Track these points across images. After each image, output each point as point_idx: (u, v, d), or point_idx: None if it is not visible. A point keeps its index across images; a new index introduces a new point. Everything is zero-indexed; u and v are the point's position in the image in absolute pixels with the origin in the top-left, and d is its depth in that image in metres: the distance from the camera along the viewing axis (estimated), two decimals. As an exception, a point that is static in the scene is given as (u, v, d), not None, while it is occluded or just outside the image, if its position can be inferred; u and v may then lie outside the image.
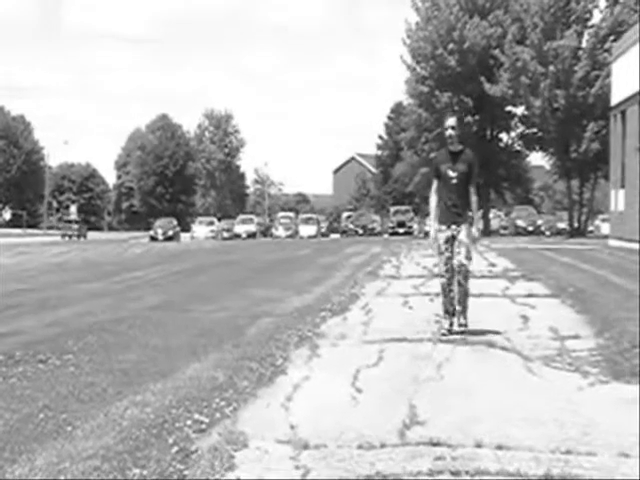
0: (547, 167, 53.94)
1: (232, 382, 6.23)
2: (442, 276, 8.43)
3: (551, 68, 38.45)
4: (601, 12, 39.74)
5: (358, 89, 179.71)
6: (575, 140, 40.05)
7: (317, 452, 4.65)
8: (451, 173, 8.27)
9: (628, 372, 6.49)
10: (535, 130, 45.06)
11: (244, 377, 6.39)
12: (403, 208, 57.77)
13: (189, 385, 6.16)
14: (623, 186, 26.39)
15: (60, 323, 9.67)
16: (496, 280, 13.57)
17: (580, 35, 39.50)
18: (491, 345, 7.76)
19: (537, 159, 55.60)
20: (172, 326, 9.26)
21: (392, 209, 58.56)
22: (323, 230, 57.10)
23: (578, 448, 4.65)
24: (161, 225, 54.60)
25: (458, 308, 8.27)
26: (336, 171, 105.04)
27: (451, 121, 8.45)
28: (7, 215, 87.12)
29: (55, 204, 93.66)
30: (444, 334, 8.22)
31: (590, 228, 45.25)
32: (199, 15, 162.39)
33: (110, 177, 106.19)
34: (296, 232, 52.96)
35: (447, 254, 8.29)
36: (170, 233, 52.36)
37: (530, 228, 49.79)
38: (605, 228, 36.79)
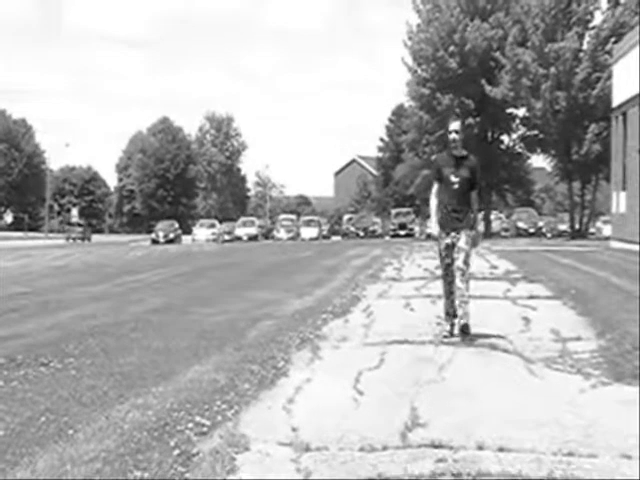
0: (548, 169, 53.89)
1: (233, 384, 6.23)
2: (443, 280, 8.44)
3: (552, 70, 38.45)
4: (602, 14, 39.76)
5: (359, 91, 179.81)
6: (576, 142, 40.04)
7: (319, 454, 4.65)
8: (453, 178, 8.21)
9: (630, 374, 6.49)
10: (536, 132, 45.04)
11: (245, 379, 6.39)
12: (404, 210, 57.77)
13: (190, 388, 6.16)
14: (624, 188, 26.39)
15: (61, 326, 9.66)
16: (497, 282, 13.56)
17: (581, 37, 39.49)
18: (493, 347, 7.75)
19: (538, 161, 55.59)
20: (173, 329, 9.25)
21: (393, 211, 58.57)
22: (324, 232, 57.08)
23: (580, 450, 4.65)
24: (162, 228, 54.66)
25: (459, 313, 8.19)
26: (337, 173, 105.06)
27: (455, 125, 8.38)
28: (8, 218, 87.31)
29: (56, 207, 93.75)
30: (445, 336, 8.22)
31: (591, 230, 45.20)
32: (200, 17, 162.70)
33: (111, 180, 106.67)
34: (297, 234, 52.96)
35: (447, 260, 8.26)
36: (171, 236, 52.44)
37: (531, 230, 49.81)
38: (606, 230, 36.77)
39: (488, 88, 42.82)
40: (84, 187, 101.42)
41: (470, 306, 8.27)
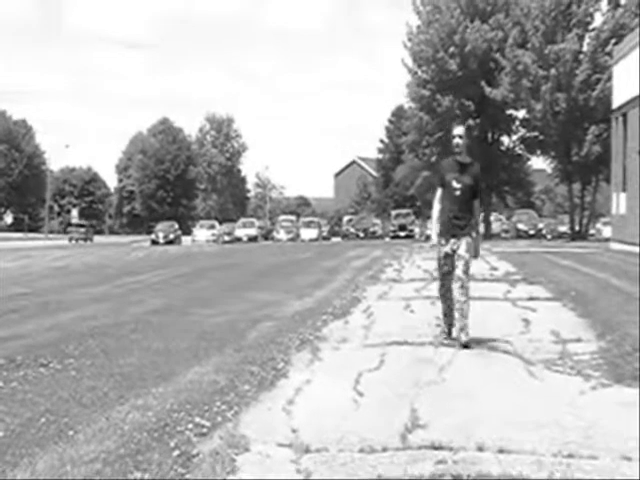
0: (548, 170, 53.83)
1: (233, 386, 6.23)
2: (439, 288, 8.34)
3: (552, 71, 38.43)
4: (602, 15, 39.77)
5: (359, 92, 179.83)
6: (576, 143, 40.03)
7: (318, 456, 4.65)
8: (455, 184, 8.08)
9: (629, 375, 6.49)
10: (536, 133, 45.00)
11: (245, 381, 6.39)
12: (404, 211, 57.80)
13: (190, 389, 6.16)
14: (625, 189, 26.39)
15: (61, 327, 9.66)
16: (497, 283, 13.56)
17: (581, 38, 39.49)
18: (493, 348, 7.75)
19: (538, 162, 55.54)
20: (173, 330, 9.26)
21: (393, 212, 58.60)
22: (324, 233, 57.07)
23: (580, 451, 4.65)
24: (162, 229, 54.66)
25: (458, 324, 7.93)
26: (337, 174, 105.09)
27: (458, 130, 8.26)
28: (9, 219, 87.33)
29: (56, 208, 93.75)
30: (445, 338, 8.21)
31: (591, 231, 45.21)
32: (200, 18, 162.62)
33: (111, 181, 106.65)
34: (297, 235, 52.94)
35: (445, 268, 8.15)
36: (171, 237, 52.45)
37: (531, 231, 49.80)
38: (606, 231, 36.78)
39: (488, 89, 42.80)
40: (84, 188, 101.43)
41: (470, 320, 7.92)
